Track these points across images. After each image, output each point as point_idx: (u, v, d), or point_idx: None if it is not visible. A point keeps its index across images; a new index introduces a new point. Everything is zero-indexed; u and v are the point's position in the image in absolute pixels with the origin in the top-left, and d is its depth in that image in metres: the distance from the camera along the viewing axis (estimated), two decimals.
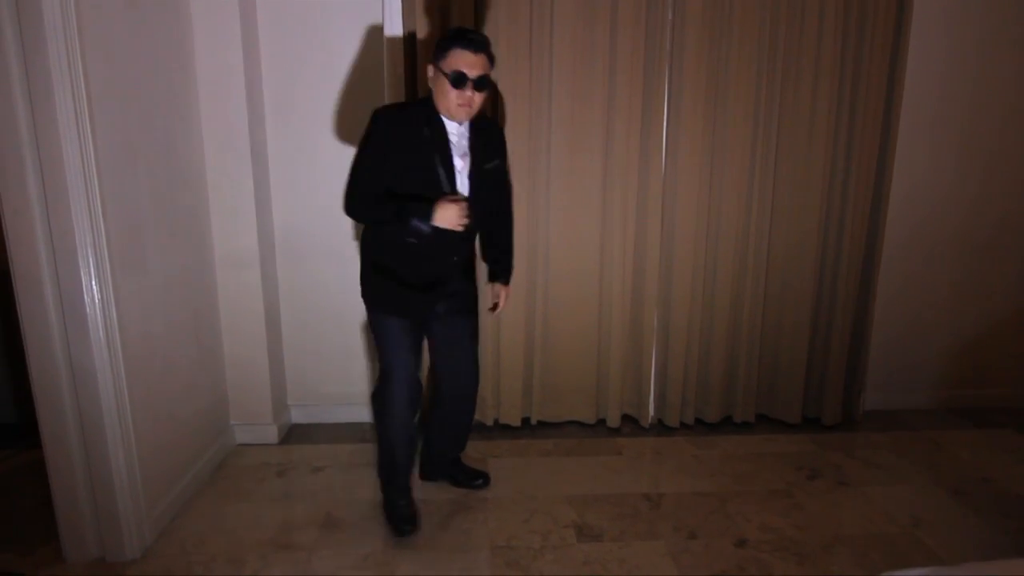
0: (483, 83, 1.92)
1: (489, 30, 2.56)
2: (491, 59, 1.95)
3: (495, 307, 2.30)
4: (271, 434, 2.77)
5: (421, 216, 1.92)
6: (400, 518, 2.17)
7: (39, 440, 1.93)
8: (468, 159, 2.01)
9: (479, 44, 1.90)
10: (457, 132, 2.00)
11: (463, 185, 2.00)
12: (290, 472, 2.54)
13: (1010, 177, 3.00)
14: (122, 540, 1.99)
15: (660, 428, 2.98)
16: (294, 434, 2.88)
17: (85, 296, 1.83)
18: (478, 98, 1.94)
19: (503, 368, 2.86)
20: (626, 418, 3.02)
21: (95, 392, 1.88)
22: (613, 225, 2.76)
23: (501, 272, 2.27)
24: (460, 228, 1.93)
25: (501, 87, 2.61)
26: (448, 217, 1.91)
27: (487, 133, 2.08)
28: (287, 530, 2.18)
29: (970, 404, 3.21)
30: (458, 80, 1.88)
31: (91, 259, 1.82)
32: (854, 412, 3.03)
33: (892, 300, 3.06)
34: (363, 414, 2.93)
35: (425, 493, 2.41)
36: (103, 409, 1.90)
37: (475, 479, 2.41)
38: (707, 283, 2.88)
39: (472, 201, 1.98)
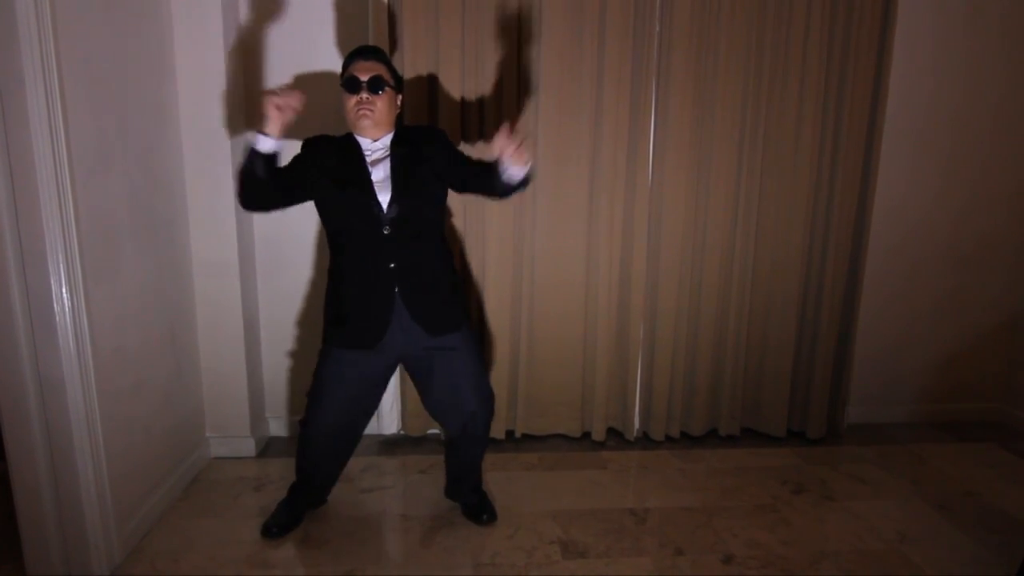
0: (377, 84, 1.91)
1: (476, 42, 2.55)
2: (389, 66, 1.97)
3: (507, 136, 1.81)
4: (248, 447, 2.70)
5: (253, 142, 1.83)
6: (275, 518, 2.19)
7: (3, 453, 1.86)
8: (389, 167, 1.95)
9: (370, 52, 1.96)
10: (372, 147, 1.97)
11: (384, 195, 1.92)
12: (267, 487, 2.47)
13: (992, 193, 3.04)
14: (89, 558, 1.91)
15: (645, 442, 2.95)
16: (272, 447, 2.81)
17: (55, 303, 1.76)
18: (379, 102, 1.92)
19: None
20: (611, 431, 2.99)
21: (63, 403, 1.81)
22: (599, 237, 2.75)
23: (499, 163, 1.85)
24: (274, 110, 1.78)
25: (489, 97, 2.59)
26: (266, 107, 1.80)
27: (416, 139, 2.01)
28: (263, 547, 2.11)
29: (952, 418, 3.23)
30: (350, 84, 1.91)
31: (62, 265, 1.76)
32: (838, 426, 3.03)
33: (876, 314, 3.08)
34: None
35: (407, 508, 2.35)
36: (72, 421, 1.82)
37: (481, 514, 2.26)
38: (693, 296, 2.87)
39: (398, 204, 1.92)
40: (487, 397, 2.13)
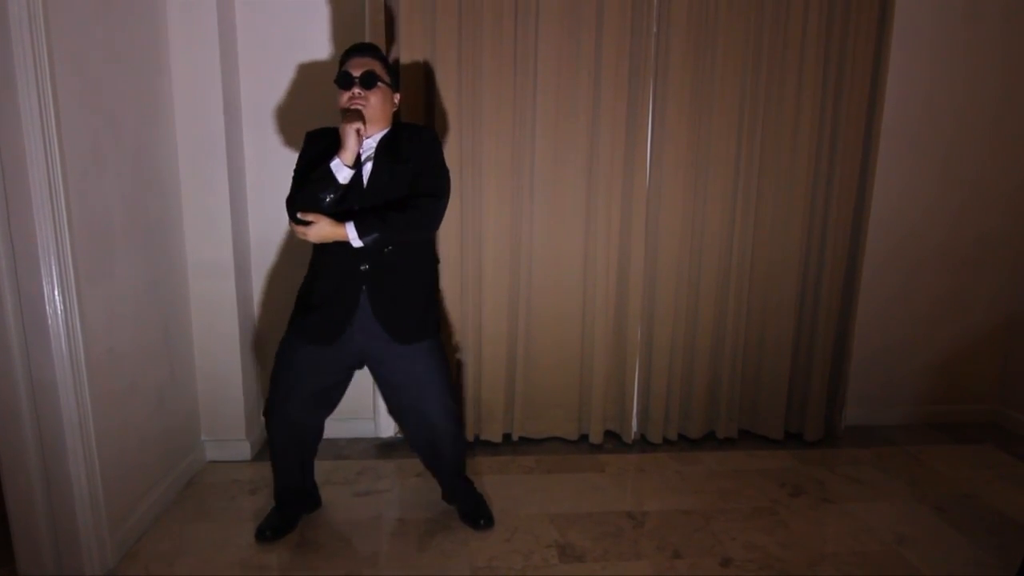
0: (370, 79, 1.90)
1: (473, 40, 2.54)
2: (383, 62, 1.97)
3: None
4: (244, 450, 2.68)
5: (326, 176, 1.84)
6: (268, 522, 2.17)
7: None
8: (372, 163, 1.94)
9: (363, 48, 1.98)
10: (364, 145, 1.95)
11: (356, 186, 1.91)
12: (263, 490, 2.45)
13: (990, 194, 3.04)
14: (82, 561, 1.89)
15: (643, 444, 2.94)
16: (267, 451, 2.79)
17: (47, 305, 1.74)
18: (372, 97, 1.90)
19: (484, 383, 2.80)
20: (609, 434, 2.98)
21: (56, 406, 1.79)
22: (597, 238, 2.74)
23: (357, 215, 1.88)
24: (355, 135, 1.83)
25: (486, 97, 2.58)
26: (348, 133, 1.83)
27: (404, 138, 1.98)
28: (258, 551, 2.09)
29: (949, 419, 3.22)
30: (342, 80, 1.91)
31: (54, 266, 1.74)
32: (835, 428, 3.03)
33: (873, 316, 3.07)
34: (339, 430, 2.85)
35: (404, 512, 2.34)
36: (64, 424, 1.80)
37: (478, 518, 2.24)
38: (690, 298, 2.86)
39: (365, 198, 1.91)
40: (449, 411, 2.10)
